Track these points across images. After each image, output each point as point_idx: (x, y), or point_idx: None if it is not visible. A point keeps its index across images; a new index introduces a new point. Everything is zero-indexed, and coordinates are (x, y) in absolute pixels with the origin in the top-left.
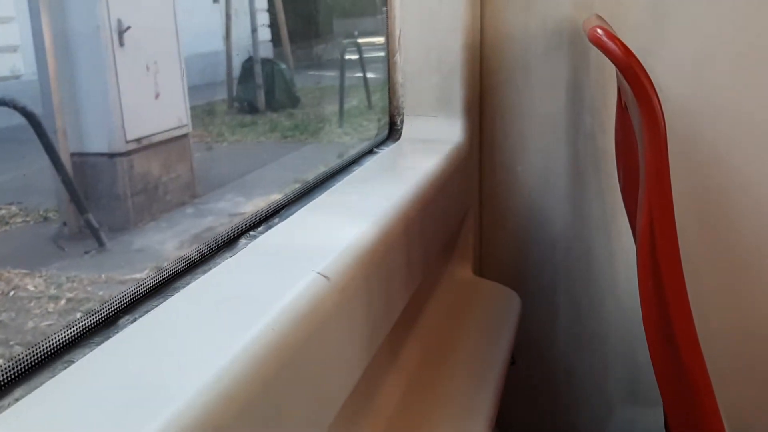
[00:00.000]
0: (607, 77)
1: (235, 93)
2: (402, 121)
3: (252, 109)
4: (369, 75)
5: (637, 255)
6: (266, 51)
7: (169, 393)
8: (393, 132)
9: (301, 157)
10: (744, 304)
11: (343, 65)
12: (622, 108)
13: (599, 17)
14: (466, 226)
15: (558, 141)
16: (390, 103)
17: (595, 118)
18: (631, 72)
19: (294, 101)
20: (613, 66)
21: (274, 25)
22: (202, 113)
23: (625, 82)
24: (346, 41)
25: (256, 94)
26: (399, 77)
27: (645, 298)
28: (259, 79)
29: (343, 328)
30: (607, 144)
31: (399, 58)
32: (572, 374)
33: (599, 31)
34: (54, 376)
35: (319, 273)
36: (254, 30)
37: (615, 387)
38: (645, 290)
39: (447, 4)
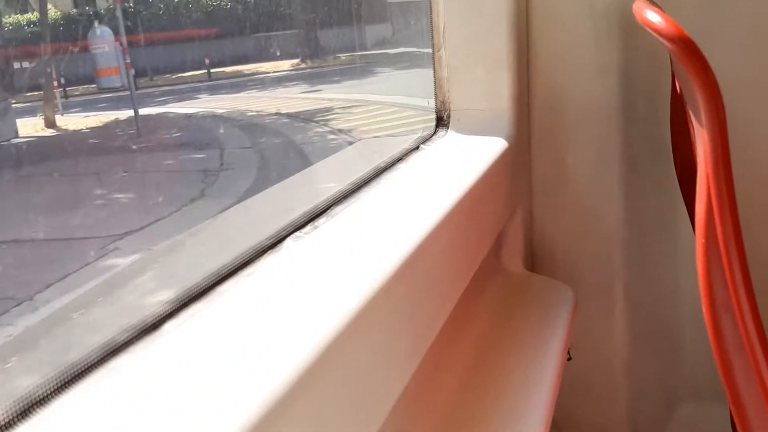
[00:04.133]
0: (660, 62)
1: None
2: (449, 116)
3: None
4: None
5: (696, 248)
6: None
7: (215, 410)
8: (439, 128)
9: None
10: None
11: None
12: (677, 94)
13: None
14: (517, 222)
15: (610, 130)
16: (436, 98)
17: (649, 106)
18: (684, 50)
19: None
20: (667, 50)
21: None
22: None
23: (679, 64)
24: None
25: None
26: (445, 72)
27: (707, 295)
28: None
29: (391, 329)
30: (663, 133)
31: (444, 53)
32: (631, 370)
33: (647, 10)
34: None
35: (365, 275)
36: None
37: (677, 383)
38: (706, 288)
39: None
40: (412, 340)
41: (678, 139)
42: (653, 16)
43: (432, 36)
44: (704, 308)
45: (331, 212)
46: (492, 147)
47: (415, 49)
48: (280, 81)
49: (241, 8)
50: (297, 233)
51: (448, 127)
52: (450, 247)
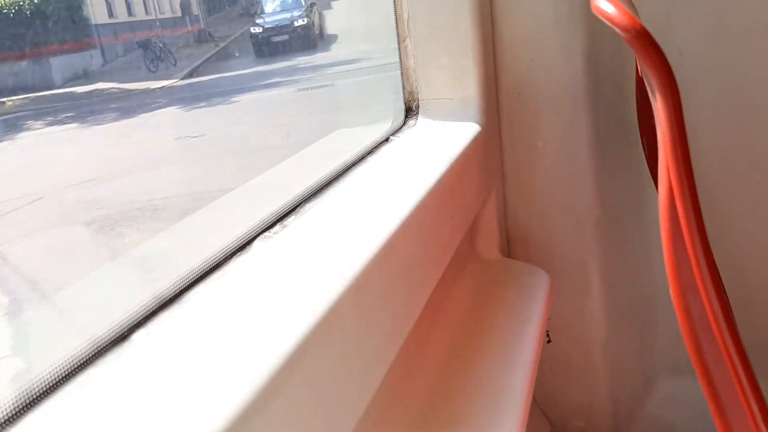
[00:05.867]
0: (624, 45)
1: None
2: (417, 106)
3: None
4: None
5: (661, 231)
6: None
7: (187, 418)
8: (409, 118)
9: None
10: None
11: None
12: (640, 76)
13: None
14: (490, 207)
15: (578, 113)
16: (404, 88)
17: (615, 88)
18: (638, 40)
19: None
20: None
21: None
22: None
23: None
24: None
25: None
26: (411, 62)
27: (673, 277)
28: None
29: (365, 324)
30: (630, 113)
31: (409, 43)
32: (609, 348)
33: (602, 0)
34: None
35: (334, 273)
36: None
37: (655, 359)
38: (672, 270)
39: None
40: (387, 333)
41: (644, 119)
42: (607, 6)
43: (396, 26)
44: (671, 289)
45: (299, 210)
46: (462, 134)
47: (113, 85)
48: None
49: None
50: (266, 233)
51: (417, 117)
52: (422, 237)
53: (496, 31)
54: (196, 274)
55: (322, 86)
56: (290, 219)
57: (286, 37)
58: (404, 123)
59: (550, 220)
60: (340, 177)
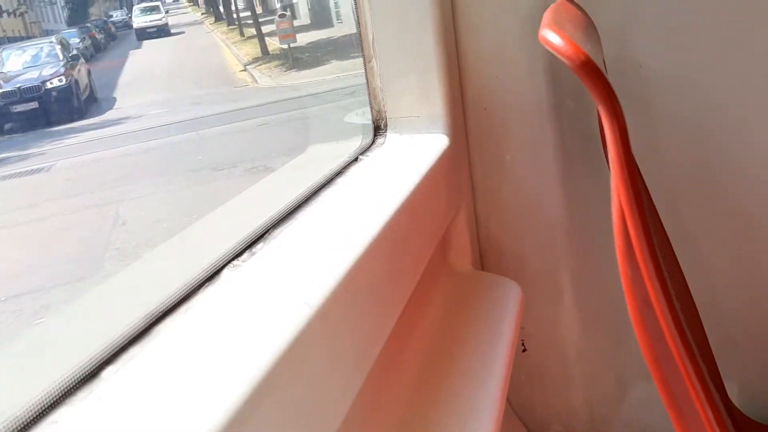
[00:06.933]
0: None
1: None
2: (386, 125)
3: None
4: None
5: (616, 249)
6: None
7: None
8: (377, 137)
9: None
10: (748, 269)
11: None
12: None
13: (559, 6)
14: (461, 221)
15: (543, 126)
16: (371, 108)
17: (577, 101)
18: (583, 69)
19: None
20: None
21: None
22: None
23: None
24: None
25: None
26: (377, 82)
27: (628, 290)
28: None
29: (333, 347)
30: (592, 124)
31: (375, 63)
32: (583, 355)
33: (547, 30)
34: None
35: (301, 301)
36: None
37: (628, 363)
38: (627, 284)
39: (416, 2)
40: (358, 353)
41: (604, 131)
42: (553, 37)
43: (362, 47)
44: (628, 304)
45: (268, 236)
46: (430, 150)
47: None
48: None
49: None
50: (234, 261)
51: (386, 135)
52: (392, 255)
53: (461, 48)
54: (166, 306)
55: (37, 170)
56: (259, 246)
57: (33, 104)
58: (373, 141)
59: (520, 231)
60: (310, 200)
